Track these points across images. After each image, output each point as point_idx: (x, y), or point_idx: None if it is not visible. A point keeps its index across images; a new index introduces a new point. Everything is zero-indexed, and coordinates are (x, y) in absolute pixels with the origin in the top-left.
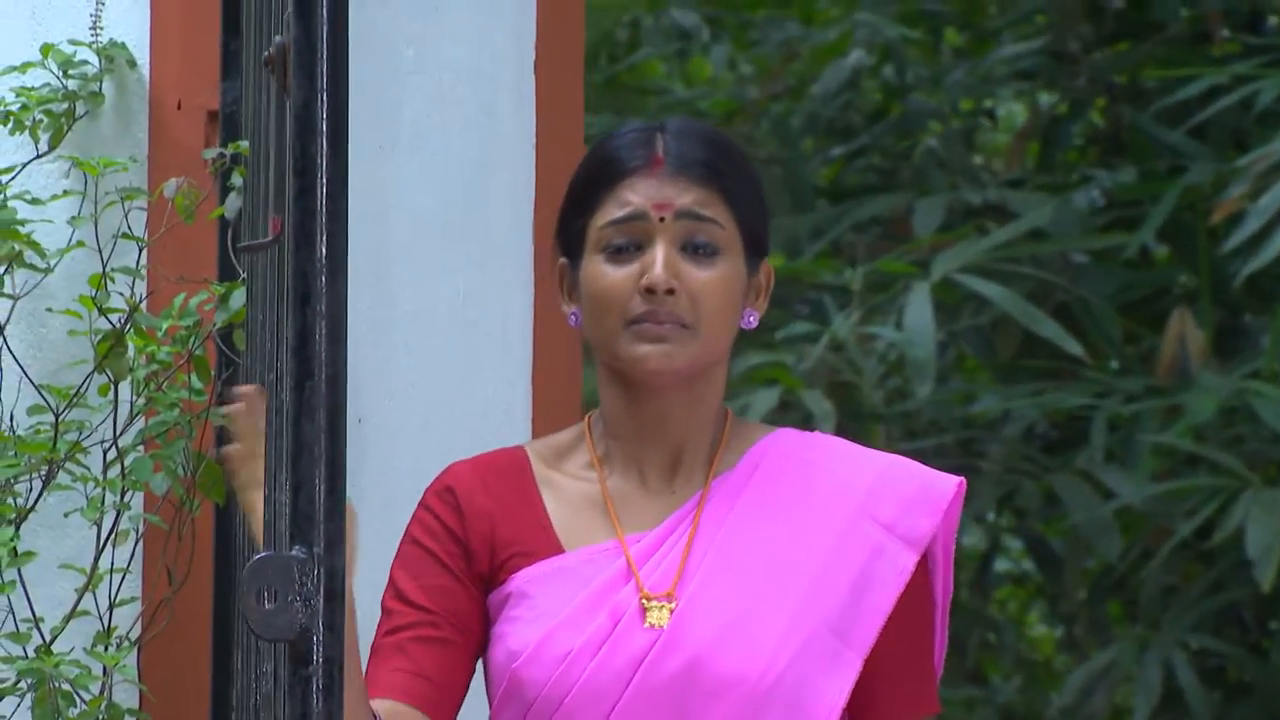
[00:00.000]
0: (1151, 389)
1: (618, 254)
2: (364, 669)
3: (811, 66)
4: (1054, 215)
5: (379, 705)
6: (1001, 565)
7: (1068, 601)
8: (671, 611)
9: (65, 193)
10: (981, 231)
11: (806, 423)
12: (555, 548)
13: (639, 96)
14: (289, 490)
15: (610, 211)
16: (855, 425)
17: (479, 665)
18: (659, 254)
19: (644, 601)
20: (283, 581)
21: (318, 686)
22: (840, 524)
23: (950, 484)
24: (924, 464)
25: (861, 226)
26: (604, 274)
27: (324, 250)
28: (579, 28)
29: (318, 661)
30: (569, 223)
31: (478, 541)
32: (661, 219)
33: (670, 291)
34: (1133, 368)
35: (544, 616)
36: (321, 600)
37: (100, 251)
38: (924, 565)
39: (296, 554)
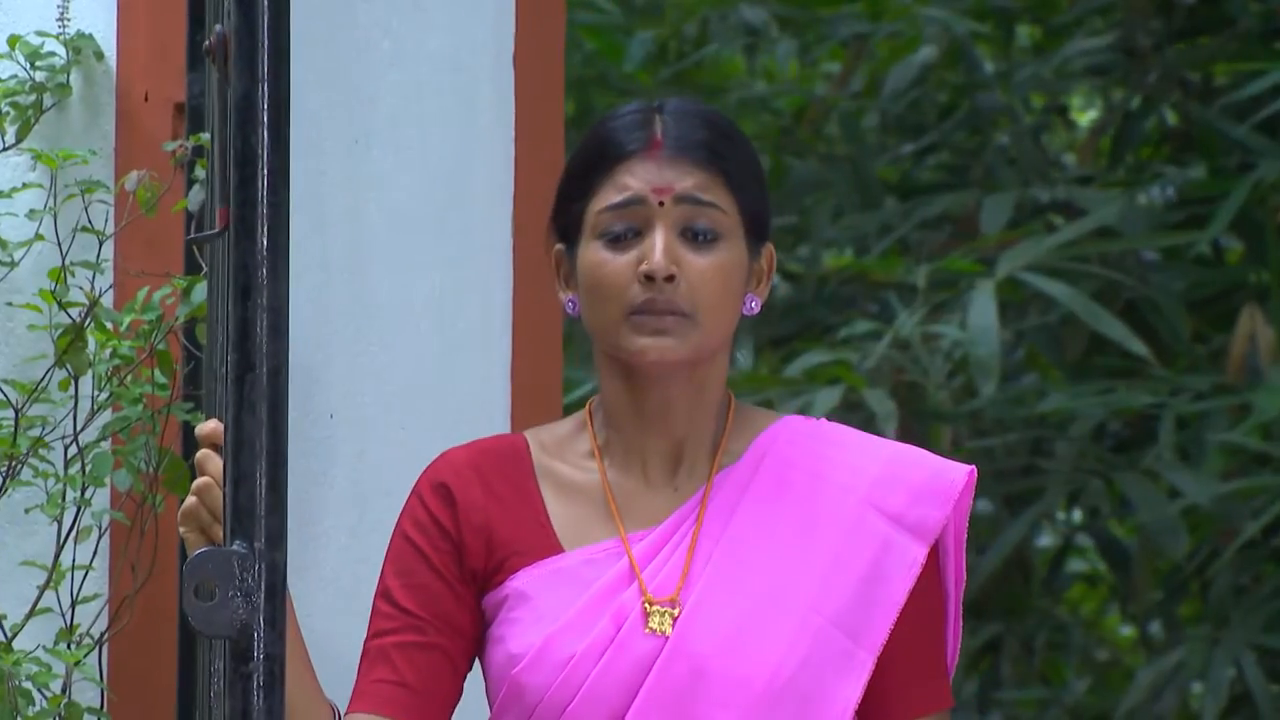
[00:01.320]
0: (1220, 387)
1: (616, 240)
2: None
3: (882, 64)
4: (1123, 213)
5: (359, 719)
6: (1077, 565)
7: (1139, 602)
8: (675, 618)
9: (25, 185)
10: (1050, 229)
11: (869, 423)
12: (554, 547)
13: (705, 94)
14: (230, 484)
15: (608, 196)
16: (919, 425)
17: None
18: (658, 240)
19: (646, 606)
20: (223, 577)
21: (259, 683)
22: (848, 518)
23: (960, 472)
24: (991, 462)
25: (931, 224)
26: (602, 261)
27: (265, 242)
28: (559, 18)
29: (258, 658)
30: (566, 207)
31: (472, 537)
32: (661, 203)
33: (670, 279)
34: (1201, 366)
35: (544, 620)
36: (262, 596)
37: (60, 245)
38: (934, 557)
39: (237, 549)
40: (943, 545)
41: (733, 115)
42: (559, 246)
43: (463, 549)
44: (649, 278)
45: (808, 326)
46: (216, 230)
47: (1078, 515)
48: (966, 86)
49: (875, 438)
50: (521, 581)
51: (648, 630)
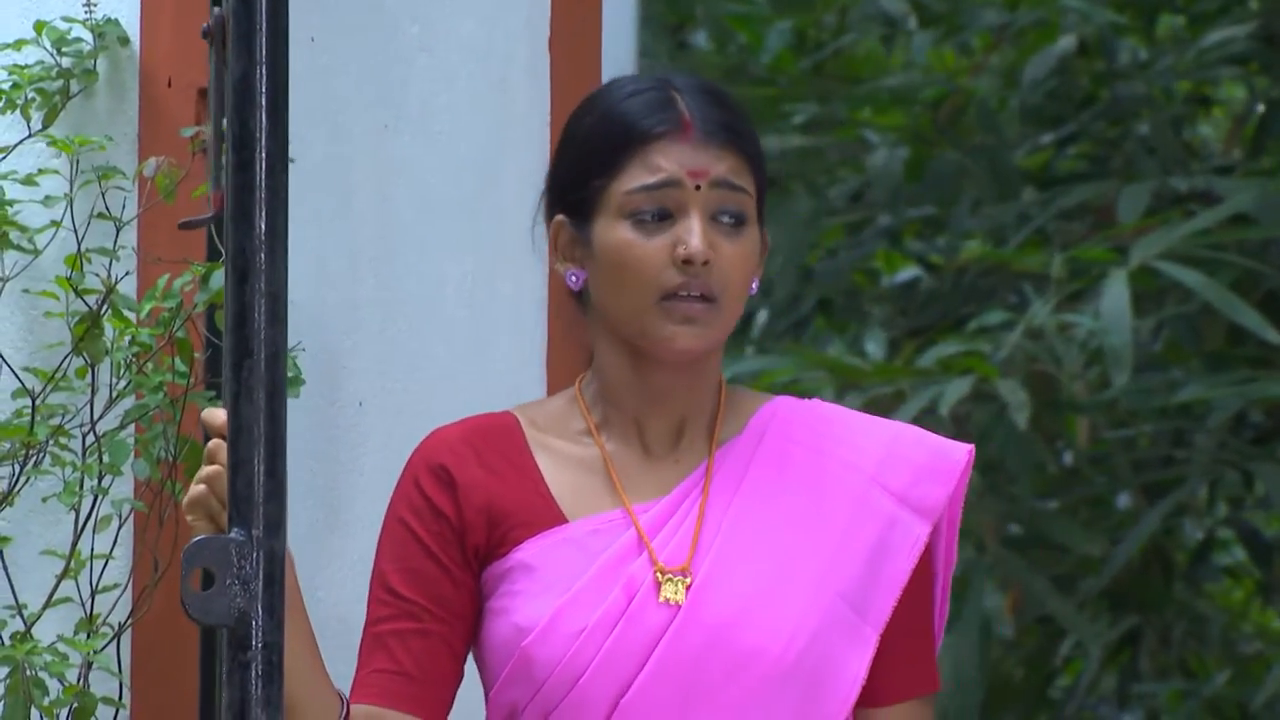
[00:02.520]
0: None
1: (645, 222)
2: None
3: (1022, 54)
4: (1260, 200)
5: (359, 710)
6: (1225, 559)
7: None
8: (688, 586)
9: (44, 170)
10: (1189, 218)
11: (1001, 413)
12: (558, 518)
13: (841, 84)
14: (228, 471)
15: (638, 176)
16: (1053, 415)
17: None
18: (695, 224)
19: (659, 576)
20: (221, 565)
21: (257, 672)
22: (852, 494)
23: (961, 451)
24: (1130, 453)
25: (1070, 214)
26: (633, 242)
27: (263, 226)
28: (597, 3)
29: (256, 647)
30: (580, 181)
31: (474, 514)
32: (697, 187)
33: (705, 263)
34: None
35: (552, 590)
36: (260, 584)
37: (76, 231)
38: (929, 538)
39: (235, 536)
40: (936, 526)
41: (873, 106)
42: (560, 218)
43: (465, 529)
44: (687, 262)
45: (945, 317)
46: (211, 214)
47: (1221, 509)
48: (1106, 76)
49: (872, 417)
50: (526, 553)
51: (662, 600)
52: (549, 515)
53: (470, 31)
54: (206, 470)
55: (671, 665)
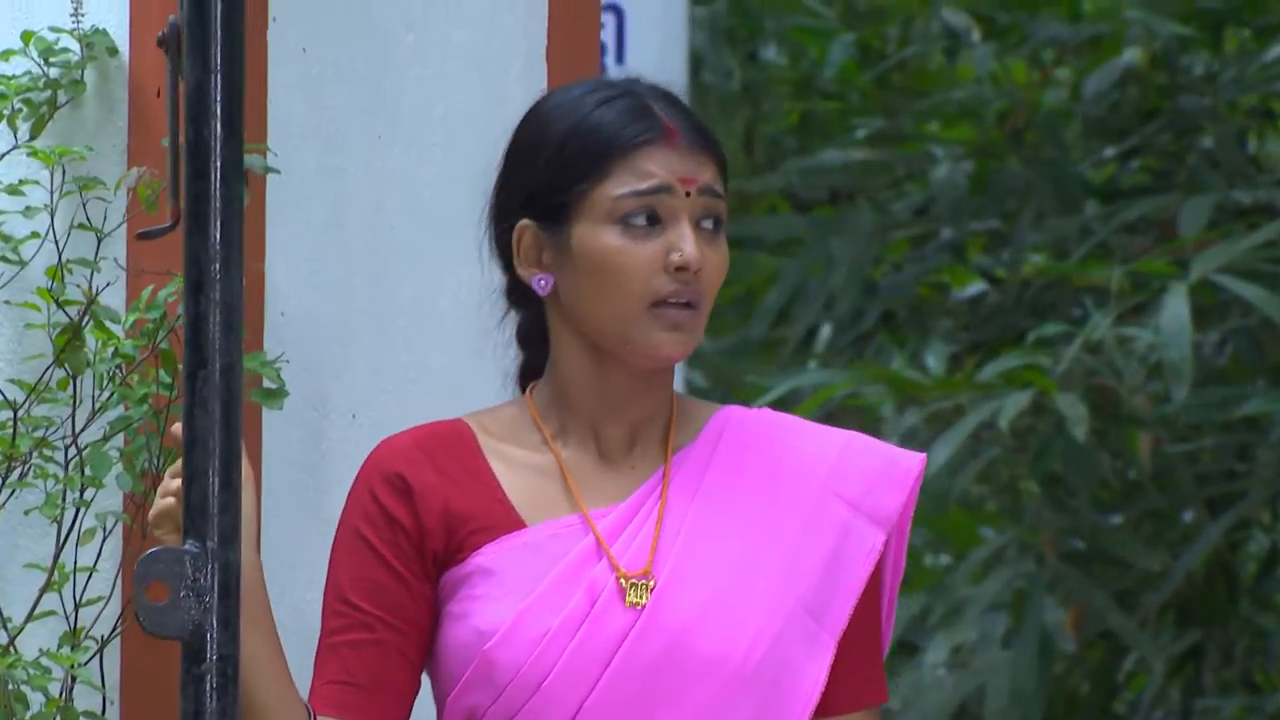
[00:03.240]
0: None
1: (635, 227)
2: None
3: (1089, 67)
4: None
5: None
6: None
7: None
8: (650, 590)
9: (22, 182)
10: (1252, 231)
11: (1061, 426)
12: (516, 522)
13: (904, 97)
14: (183, 483)
15: (627, 181)
16: (1113, 429)
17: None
18: (688, 231)
19: (621, 581)
20: (175, 577)
21: (212, 685)
22: (808, 502)
23: (914, 460)
24: (1192, 466)
25: (1133, 228)
26: (622, 248)
27: (218, 236)
28: (595, 11)
29: (211, 659)
30: (553, 186)
31: (431, 520)
32: (687, 193)
33: (696, 271)
34: None
35: (513, 595)
36: (215, 596)
37: (57, 242)
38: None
39: (190, 548)
40: (887, 536)
41: (941, 120)
42: (526, 223)
43: (423, 535)
44: (680, 269)
45: (1007, 331)
46: (168, 224)
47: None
48: (1170, 89)
49: (823, 426)
50: (485, 558)
51: (629, 604)
52: (507, 520)
53: (465, 41)
54: (174, 483)
55: (634, 670)
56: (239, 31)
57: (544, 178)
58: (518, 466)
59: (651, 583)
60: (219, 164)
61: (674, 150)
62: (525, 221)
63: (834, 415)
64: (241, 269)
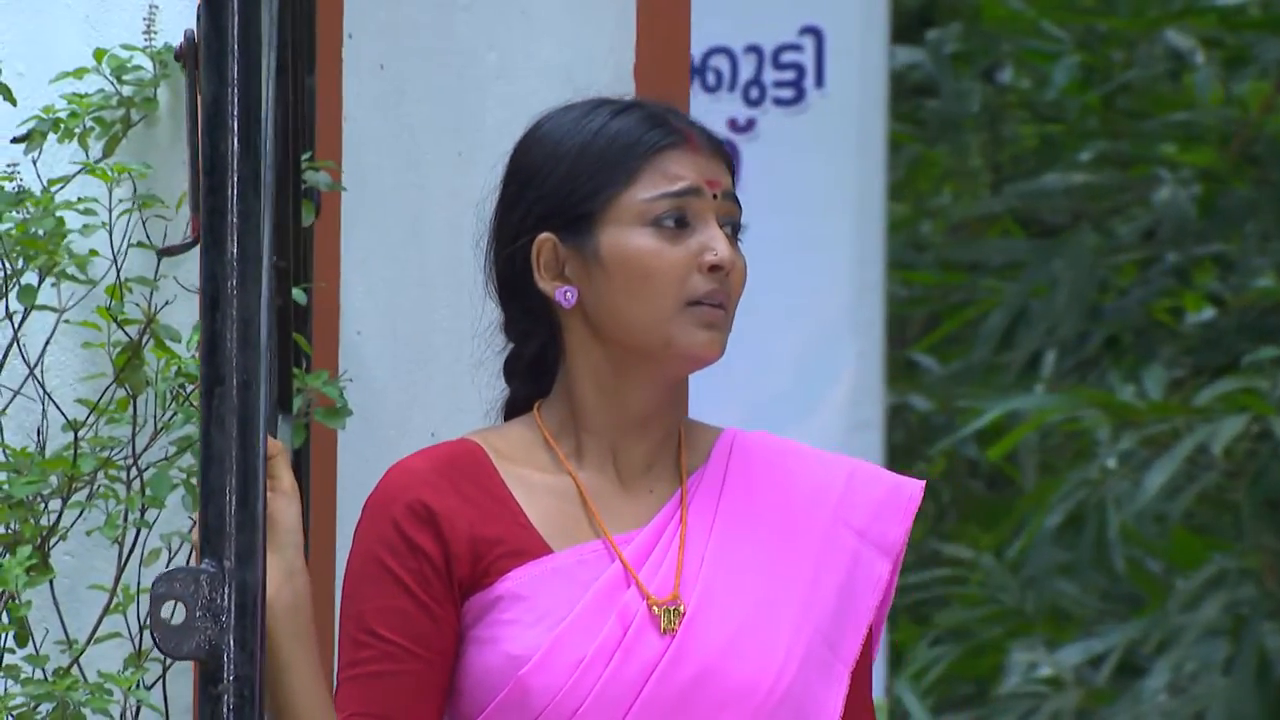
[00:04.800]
0: None
1: (667, 229)
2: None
3: None
4: None
5: None
6: None
7: None
8: (681, 616)
9: (84, 199)
10: None
11: (1277, 451)
12: (543, 547)
13: (1131, 119)
14: (199, 501)
15: (657, 184)
16: None
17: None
18: (717, 231)
19: (654, 608)
20: (191, 597)
21: (229, 706)
22: (819, 529)
23: (915, 487)
24: None
25: None
26: (658, 250)
27: (235, 251)
28: (685, 27)
29: (228, 680)
30: (577, 195)
31: (459, 546)
32: (714, 196)
33: (729, 272)
34: None
35: (546, 620)
36: (233, 617)
37: (116, 260)
38: None
39: (206, 568)
40: None
41: (1161, 140)
42: (546, 236)
43: (450, 561)
44: (714, 269)
45: (1232, 355)
46: (189, 240)
47: None
48: None
49: (823, 451)
50: (514, 582)
51: (663, 631)
52: (533, 544)
53: (549, 58)
54: None
55: (664, 697)
56: (256, 45)
57: (564, 188)
58: (536, 489)
59: (681, 608)
60: (235, 178)
61: (696, 154)
62: (545, 235)
63: (1049, 437)
64: (259, 285)
